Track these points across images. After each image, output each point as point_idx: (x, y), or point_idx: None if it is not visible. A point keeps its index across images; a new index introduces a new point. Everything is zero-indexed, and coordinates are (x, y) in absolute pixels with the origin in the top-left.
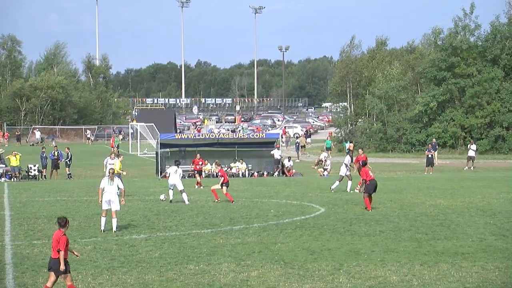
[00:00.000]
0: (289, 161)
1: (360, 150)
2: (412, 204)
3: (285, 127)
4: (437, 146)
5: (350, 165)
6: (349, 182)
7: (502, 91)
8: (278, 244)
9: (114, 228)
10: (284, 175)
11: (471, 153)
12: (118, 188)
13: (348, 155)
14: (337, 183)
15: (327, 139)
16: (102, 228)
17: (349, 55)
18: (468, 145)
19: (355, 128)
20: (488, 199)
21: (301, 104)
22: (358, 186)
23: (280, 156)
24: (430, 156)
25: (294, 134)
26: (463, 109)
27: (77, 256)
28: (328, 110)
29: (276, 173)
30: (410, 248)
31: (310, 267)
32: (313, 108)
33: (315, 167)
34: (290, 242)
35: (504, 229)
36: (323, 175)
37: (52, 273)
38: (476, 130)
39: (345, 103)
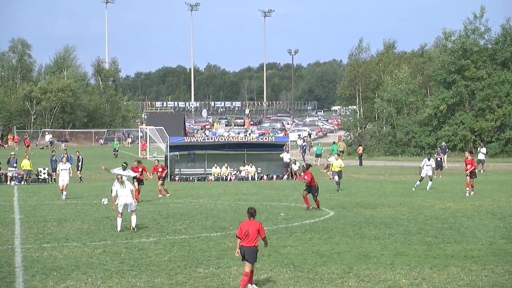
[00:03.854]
0: (295, 164)
1: (467, 153)
2: (422, 207)
3: (286, 130)
4: (446, 150)
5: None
6: (430, 182)
7: None
8: (287, 247)
9: (134, 224)
10: (294, 179)
11: (481, 156)
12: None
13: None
14: (418, 183)
15: (318, 144)
16: (119, 228)
17: (357, 58)
18: (478, 148)
19: (365, 131)
20: (498, 202)
21: (310, 108)
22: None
23: (289, 159)
24: (439, 159)
25: (301, 137)
26: (473, 112)
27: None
28: (337, 113)
29: (285, 177)
30: (420, 251)
31: (319, 271)
32: (322, 112)
33: (324, 171)
34: (300, 246)
35: None
36: (332, 178)
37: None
38: (486, 133)
39: (354, 107)
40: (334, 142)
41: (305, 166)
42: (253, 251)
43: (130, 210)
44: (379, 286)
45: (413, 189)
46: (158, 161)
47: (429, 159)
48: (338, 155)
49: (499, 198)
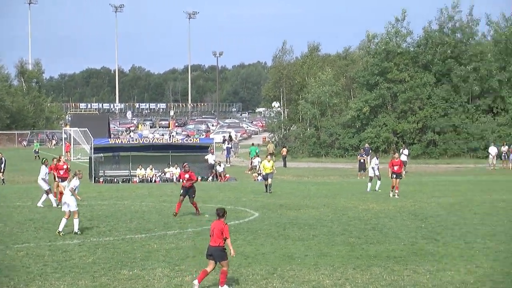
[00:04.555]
0: (219, 165)
1: (396, 154)
2: (345, 208)
3: (207, 132)
4: (370, 151)
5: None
6: (378, 182)
7: (433, 97)
8: None
9: (75, 229)
10: (219, 180)
11: (403, 157)
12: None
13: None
14: (369, 184)
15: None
16: (60, 229)
17: (281, 60)
18: (400, 150)
19: (289, 133)
20: (420, 203)
21: (235, 109)
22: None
23: (214, 161)
24: (362, 161)
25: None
26: (396, 114)
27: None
28: (262, 115)
29: (210, 178)
30: (343, 252)
31: (244, 272)
32: (247, 113)
33: (249, 172)
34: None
35: (435, 233)
36: (257, 179)
37: (212, 261)
38: (408, 135)
39: (279, 108)
40: (252, 144)
41: (186, 167)
42: (219, 250)
43: (71, 209)
44: (303, 286)
45: (375, 190)
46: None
47: (377, 158)
48: (271, 155)
49: (420, 199)
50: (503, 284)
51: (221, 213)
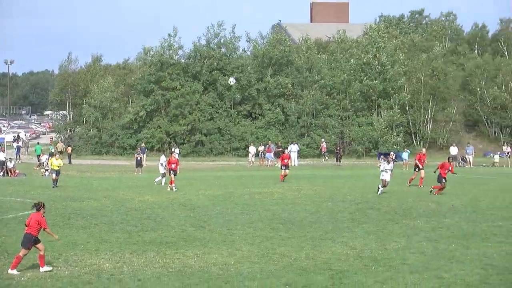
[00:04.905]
0: (10, 162)
1: (173, 154)
2: (124, 200)
3: None
4: (146, 150)
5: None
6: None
7: (201, 103)
8: (2, 237)
9: None
10: (9, 175)
11: (176, 156)
12: None
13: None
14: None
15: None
16: None
17: (67, 69)
18: (173, 149)
19: (74, 133)
20: (189, 195)
21: (25, 112)
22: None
23: (5, 158)
24: (139, 158)
25: (15, 139)
26: (169, 118)
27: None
28: (49, 117)
29: (1, 174)
30: (122, 239)
31: (32, 258)
32: (36, 116)
33: (37, 168)
34: (14, 235)
35: (202, 221)
36: (45, 175)
37: (34, 248)
38: (180, 136)
39: (65, 112)
40: (38, 143)
41: None
42: (26, 237)
43: None
44: (85, 269)
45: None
46: None
47: (165, 156)
48: (60, 153)
49: (190, 192)
50: (259, 264)
51: (38, 206)
